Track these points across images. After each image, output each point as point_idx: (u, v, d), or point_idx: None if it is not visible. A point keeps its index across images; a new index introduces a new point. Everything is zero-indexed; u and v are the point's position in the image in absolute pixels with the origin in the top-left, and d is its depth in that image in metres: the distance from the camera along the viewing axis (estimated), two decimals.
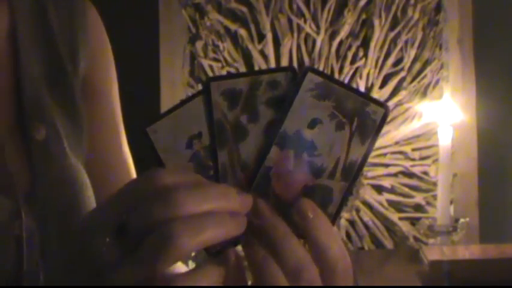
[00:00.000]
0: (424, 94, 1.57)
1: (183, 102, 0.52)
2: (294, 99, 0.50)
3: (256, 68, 1.56)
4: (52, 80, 0.72)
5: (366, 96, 0.51)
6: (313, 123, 0.50)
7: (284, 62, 1.55)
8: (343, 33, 1.55)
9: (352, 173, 0.51)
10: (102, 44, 0.81)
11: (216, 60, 1.57)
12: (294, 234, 0.51)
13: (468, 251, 1.39)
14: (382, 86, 1.56)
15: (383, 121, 0.50)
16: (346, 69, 1.55)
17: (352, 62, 1.55)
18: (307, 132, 0.50)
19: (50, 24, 0.74)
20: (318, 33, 1.54)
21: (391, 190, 1.56)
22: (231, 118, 0.51)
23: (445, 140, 1.41)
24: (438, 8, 1.57)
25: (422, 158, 1.56)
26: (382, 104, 0.51)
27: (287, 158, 0.50)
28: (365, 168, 1.56)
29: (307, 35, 1.55)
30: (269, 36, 1.54)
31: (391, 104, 1.56)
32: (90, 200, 0.73)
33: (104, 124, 0.81)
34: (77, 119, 0.75)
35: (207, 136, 0.51)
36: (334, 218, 0.51)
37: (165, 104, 1.58)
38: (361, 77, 1.55)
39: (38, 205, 0.66)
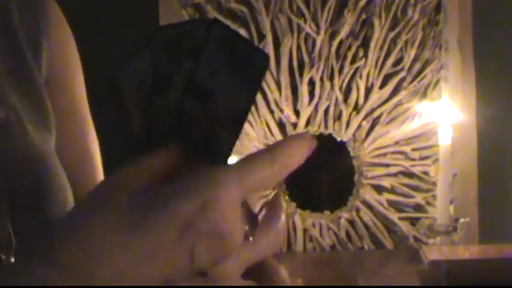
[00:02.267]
0: (424, 94, 1.57)
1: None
2: (203, 51, 0.51)
3: None
4: (12, 67, 0.73)
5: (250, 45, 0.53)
6: (213, 73, 0.51)
7: (284, 62, 1.55)
8: (343, 33, 1.55)
9: (240, 121, 0.52)
10: (65, 36, 0.81)
11: None
12: None
13: (468, 251, 1.39)
14: (382, 86, 1.56)
15: (263, 69, 0.52)
16: (346, 69, 1.55)
17: (352, 62, 1.55)
18: (210, 82, 0.51)
19: (10, 15, 0.75)
20: (318, 33, 1.54)
21: (391, 190, 1.56)
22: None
23: (445, 140, 1.41)
24: (438, 8, 1.57)
25: (422, 158, 1.56)
26: (262, 52, 0.53)
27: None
28: (365, 168, 1.57)
29: (307, 35, 1.55)
30: (269, 36, 1.54)
31: (391, 104, 1.56)
32: (59, 181, 0.72)
33: (69, 115, 0.82)
34: (41, 106, 0.76)
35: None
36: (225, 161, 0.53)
37: None
38: (361, 77, 1.55)
39: (1, 181, 0.67)
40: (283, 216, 0.54)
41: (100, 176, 0.89)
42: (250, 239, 0.50)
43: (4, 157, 0.69)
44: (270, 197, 0.56)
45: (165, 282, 0.46)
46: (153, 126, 0.52)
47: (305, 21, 1.54)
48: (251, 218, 0.51)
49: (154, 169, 0.49)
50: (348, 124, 1.56)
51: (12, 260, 0.65)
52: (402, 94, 1.56)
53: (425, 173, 1.56)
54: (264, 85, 1.55)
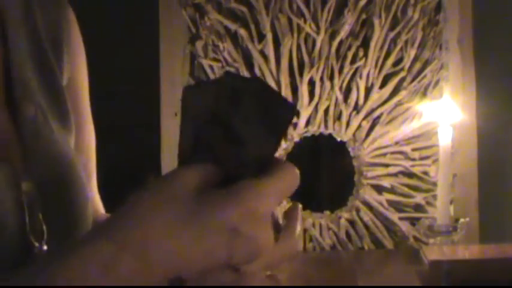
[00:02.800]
0: (424, 94, 1.57)
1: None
2: (241, 101, 0.59)
3: (256, 68, 1.56)
4: (37, 68, 0.78)
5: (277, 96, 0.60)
6: (246, 122, 0.58)
7: (284, 62, 1.55)
8: (343, 33, 1.55)
9: (263, 164, 0.59)
10: (80, 45, 0.87)
11: (216, 60, 1.57)
12: None
13: (468, 251, 1.39)
14: (382, 86, 1.56)
15: (289, 119, 0.60)
16: (346, 69, 1.55)
17: (352, 62, 1.55)
18: (243, 129, 0.58)
19: (34, 19, 0.79)
20: (318, 33, 1.54)
21: (391, 190, 1.56)
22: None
23: (445, 140, 1.41)
24: (438, 8, 1.57)
25: (422, 158, 1.56)
26: (290, 104, 0.60)
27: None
28: (365, 168, 1.57)
29: (307, 35, 1.55)
30: (269, 36, 1.54)
31: (391, 104, 1.56)
32: (80, 176, 0.78)
33: (79, 118, 0.86)
34: (62, 107, 0.80)
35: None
36: None
37: (165, 103, 1.58)
38: (361, 77, 1.55)
39: (31, 175, 0.71)
40: (299, 227, 0.63)
41: (95, 185, 0.92)
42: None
43: (34, 153, 0.73)
44: (286, 207, 0.64)
45: (201, 269, 0.53)
46: (194, 148, 0.58)
47: (305, 21, 1.54)
48: (277, 225, 0.60)
49: (202, 176, 0.56)
50: (348, 124, 1.56)
51: (45, 247, 0.69)
52: (402, 94, 1.56)
53: (425, 173, 1.56)
54: None
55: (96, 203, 0.92)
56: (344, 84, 1.56)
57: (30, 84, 0.75)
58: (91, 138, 0.91)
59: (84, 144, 0.88)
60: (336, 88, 1.55)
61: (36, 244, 0.69)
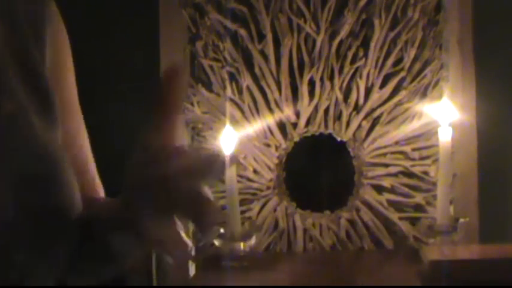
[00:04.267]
0: (424, 94, 1.57)
1: None
2: None
3: (256, 68, 1.56)
4: (18, 61, 0.75)
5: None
6: None
7: (284, 62, 1.55)
8: (343, 33, 1.55)
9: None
10: (64, 36, 0.83)
11: (216, 60, 1.57)
12: None
13: (468, 251, 1.39)
14: (382, 86, 1.56)
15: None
16: (346, 69, 1.55)
17: (352, 62, 1.55)
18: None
19: (15, 11, 0.76)
20: (318, 33, 1.54)
21: (391, 190, 1.56)
22: None
23: (445, 140, 1.41)
24: (438, 8, 1.57)
25: (422, 158, 1.56)
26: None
27: None
28: (365, 168, 1.56)
29: (307, 35, 1.55)
30: (269, 36, 1.54)
31: (391, 104, 1.56)
32: (65, 171, 0.75)
33: (65, 112, 0.83)
34: (46, 99, 0.77)
35: None
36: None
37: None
38: (361, 77, 1.55)
39: (10, 176, 0.68)
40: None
41: (93, 171, 0.89)
42: None
43: (11, 150, 0.70)
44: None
45: None
46: None
47: (305, 21, 1.54)
48: None
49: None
50: (348, 124, 1.56)
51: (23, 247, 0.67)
52: (402, 94, 1.55)
53: (425, 173, 1.56)
54: (264, 85, 1.55)
55: (95, 187, 0.89)
56: (344, 84, 1.56)
57: (6, 77, 0.72)
58: (80, 126, 0.87)
59: (72, 134, 0.85)
60: (336, 88, 1.55)
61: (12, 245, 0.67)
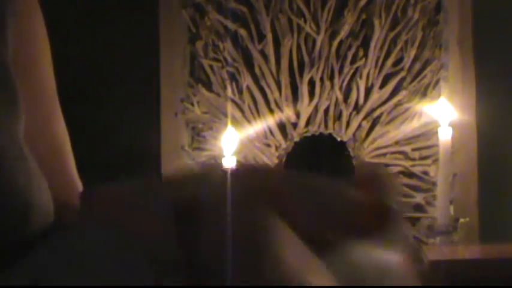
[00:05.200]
0: (424, 94, 1.57)
1: None
2: None
3: (256, 68, 1.56)
4: None
5: None
6: None
7: (284, 62, 1.55)
8: (343, 33, 1.55)
9: None
10: (33, 13, 0.76)
11: (216, 60, 1.57)
12: None
13: (468, 251, 1.39)
14: (382, 86, 1.56)
15: None
16: (346, 69, 1.55)
17: (352, 62, 1.55)
18: None
19: None
20: (318, 33, 1.54)
21: None
22: None
23: (445, 140, 1.41)
24: (438, 8, 1.57)
25: (422, 158, 1.56)
26: None
27: None
28: None
29: (307, 35, 1.55)
30: (269, 36, 1.54)
31: (391, 104, 1.56)
32: (28, 169, 0.67)
33: (34, 98, 0.76)
34: (6, 87, 0.69)
35: None
36: None
37: (165, 103, 1.58)
38: (361, 77, 1.55)
39: None
40: None
41: (70, 168, 0.78)
42: None
43: None
44: None
45: None
46: None
47: (305, 21, 1.54)
48: None
49: None
50: (348, 124, 1.56)
51: None
52: (402, 94, 1.56)
53: (425, 173, 1.56)
54: (264, 85, 1.56)
55: (72, 189, 0.78)
56: (344, 84, 1.56)
57: None
58: (53, 114, 0.78)
59: (40, 123, 0.76)
60: (336, 88, 1.55)
61: None
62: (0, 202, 0.62)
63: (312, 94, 1.55)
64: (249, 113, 1.56)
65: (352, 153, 1.58)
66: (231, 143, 1.40)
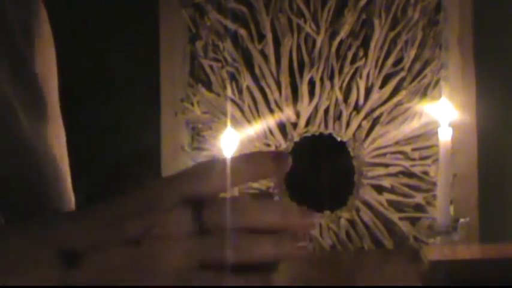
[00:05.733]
0: (424, 94, 1.57)
1: None
2: None
3: (256, 68, 1.56)
4: (7, 58, 0.74)
5: None
6: None
7: (284, 62, 1.55)
8: (343, 33, 1.55)
9: None
10: (50, 39, 0.83)
11: (216, 60, 1.57)
12: None
13: (468, 251, 1.39)
14: (382, 86, 1.56)
15: None
16: (346, 69, 1.55)
17: (352, 62, 1.55)
18: None
19: (4, 9, 0.76)
20: (318, 33, 1.54)
21: (391, 190, 1.56)
22: None
23: (445, 140, 1.41)
24: (438, 8, 1.57)
25: (422, 158, 1.56)
26: None
27: None
28: (365, 168, 1.56)
29: (307, 35, 1.55)
30: (269, 36, 1.54)
31: (391, 104, 1.56)
32: (52, 169, 0.74)
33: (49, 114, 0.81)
34: (36, 96, 0.75)
35: None
36: None
37: (165, 103, 1.58)
38: (361, 77, 1.55)
39: None
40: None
41: (68, 181, 0.85)
42: None
43: None
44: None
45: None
46: None
47: (305, 21, 1.54)
48: None
49: None
50: (348, 124, 1.56)
51: None
52: (402, 94, 1.55)
53: (425, 173, 1.56)
54: (264, 85, 1.55)
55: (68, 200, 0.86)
56: (344, 84, 1.56)
57: None
58: (60, 133, 0.85)
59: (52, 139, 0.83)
60: (336, 88, 1.55)
61: None
62: (45, 186, 0.70)
63: (312, 94, 1.55)
64: (249, 113, 1.56)
65: (352, 153, 1.57)
66: (231, 143, 1.40)
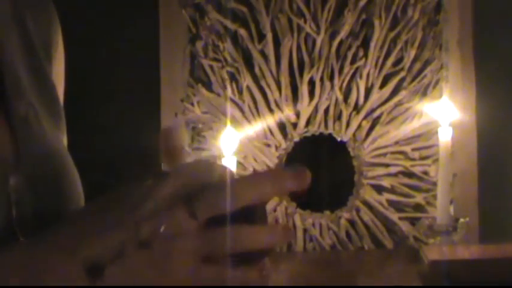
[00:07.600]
0: (424, 94, 1.57)
1: None
2: None
3: (256, 68, 1.56)
4: (29, 67, 0.80)
5: None
6: None
7: (284, 62, 1.55)
8: (343, 33, 1.55)
9: None
10: (62, 50, 0.90)
11: (216, 60, 1.57)
12: None
13: (468, 251, 1.39)
14: (382, 86, 1.56)
15: None
16: (346, 69, 1.55)
17: (352, 62, 1.55)
18: None
19: (25, 19, 0.81)
20: (318, 33, 1.54)
21: (391, 190, 1.56)
22: None
23: (445, 140, 1.41)
24: (438, 8, 1.57)
25: (422, 158, 1.56)
26: None
27: None
28: (365, 168, 1.56)
29: (307, 35, 1.55)
30: (269, 36, 1.54)
31: (391, 104, 1.56)
32: (72, 172, 0.81)
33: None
34: (54, 106, 0.82)
35: None
36: None
37: (165, 103, 1.58)
38: (361, 77, 1.55)
39: (23, 172, 0.73)
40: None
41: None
42: None
43: (25, 150, 0.74)
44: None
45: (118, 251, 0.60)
46: None
47: (305, 21, 1.54)
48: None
49: None
50: (348, 124, 1.56)
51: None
52: (402, 94, 1.56)
53: (425, 173, 1.56)
54: (264, 85, 1.55)
55: None
56: (344, 84, 1.56)
57: (21, 83, 0.77)
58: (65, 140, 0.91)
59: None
60: (336, 88, 1.55)
61: (22, 240, 0.70)
62: (67, 188, 0.76)
63: (312, 94, 1.55)
64: (249, 113, 1.56)
65: (352, 153, 1.57)
66: (231, 143, 1.40)
